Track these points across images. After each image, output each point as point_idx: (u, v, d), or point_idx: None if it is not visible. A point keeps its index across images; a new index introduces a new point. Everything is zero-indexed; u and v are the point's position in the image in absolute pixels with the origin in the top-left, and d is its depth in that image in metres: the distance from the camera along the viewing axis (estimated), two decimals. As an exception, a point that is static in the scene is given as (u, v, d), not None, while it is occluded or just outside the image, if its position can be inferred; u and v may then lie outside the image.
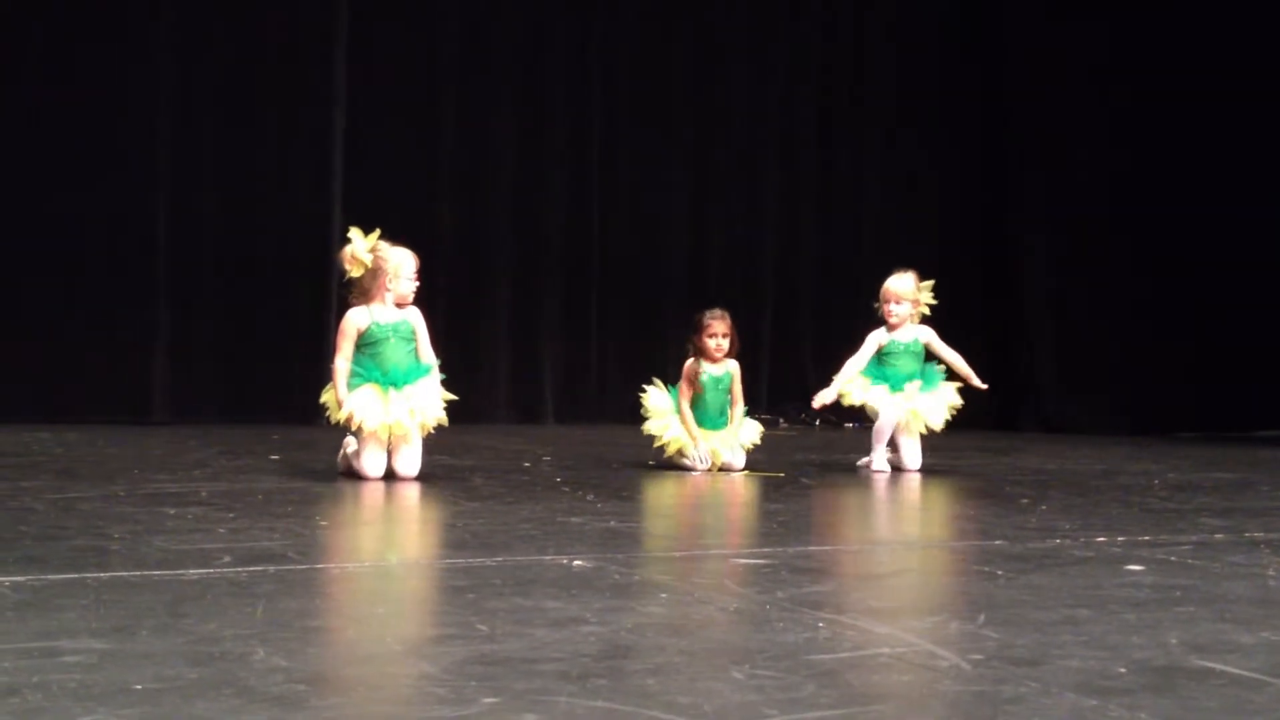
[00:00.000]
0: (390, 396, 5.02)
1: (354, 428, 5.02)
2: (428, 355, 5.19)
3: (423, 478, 5.09)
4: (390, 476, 5.03)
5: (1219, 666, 2.08)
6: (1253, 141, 10.05)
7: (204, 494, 4.41)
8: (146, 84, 8.90)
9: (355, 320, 5.11)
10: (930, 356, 6.00)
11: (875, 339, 5.95)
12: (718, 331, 5.82)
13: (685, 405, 5.82)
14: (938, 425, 5.92)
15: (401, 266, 5.15)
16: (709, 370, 5.82)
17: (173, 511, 3.86)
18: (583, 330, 10.16)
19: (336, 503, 4.44)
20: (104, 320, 8.72)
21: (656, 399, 5.93)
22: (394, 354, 5.08)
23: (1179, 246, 10.10)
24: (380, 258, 5.10)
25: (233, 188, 9.15)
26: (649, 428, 5.90)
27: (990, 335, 10.30)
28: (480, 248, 9.74)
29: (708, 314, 5.90)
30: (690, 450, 5.73)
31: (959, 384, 5.97)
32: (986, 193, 10.75)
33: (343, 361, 5.09)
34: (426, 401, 5.06)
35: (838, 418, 10.25)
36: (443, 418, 5.12)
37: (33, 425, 7.69)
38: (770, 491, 5.02)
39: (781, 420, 10.29)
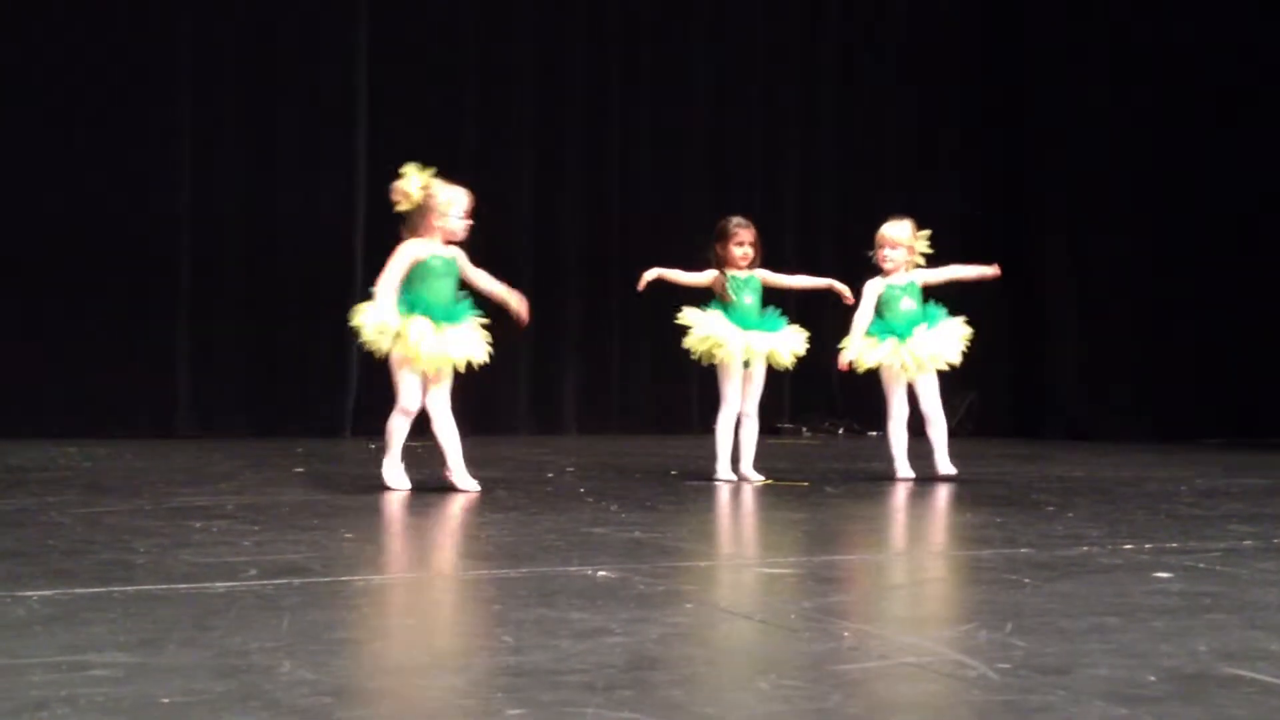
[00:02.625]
0: (444, 331, 5.01)
1: (410, 355, 4.95)
2: (484, 281, 5.21)
3: (444, 489, 5.11)
4: (422, 419, 5.07)
5: (1249, 674, 2.06)
6: (1276, 152, 9.98)
7: (230, 507, 4.42)
8: (169, 99, 8.96)
9: (415, 250, 5.07)
10: (929, 297, 5.92)
11: (872, 289, 5.87)
12: (745, 240, 5.75)
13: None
14: (955, 359, 5.84)
15: (452, 204, 5.12)
16: (734, 275, 5.74)
17: (199, 525, 3.88)
18: (604, 340, 10.17)
19: (361, 515, 4.45)
20: (129, 335, 8.78)
21: (691, 312, 5.79)
22: (446, 289, 5.10)
23: (1203, 251, 10.04)
24: (430, 194, 5.10)
25: (256, 201, 9.21)
26: (688, 341, 5.75)
27: (1013, 342, 10.26)
28: (500, 258, 9.73)
29: (734, 221, 5.79)
30: (725, 348, 5.61)
31: (963, 318, 5.89)
32: (1006, 197, 10.72)
33: (391, 286, 4.99)
34: (471, 341, 5.06)
35: (860, 426, 10.25)
36: (484, 356, 5.09)
37: (59, 440, 7.74)
38: (794, 501, 5.00)
39: (805, 429, 10.28)
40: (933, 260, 5.98)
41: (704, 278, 5.82)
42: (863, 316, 5.85)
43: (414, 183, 5.10)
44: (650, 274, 5.80)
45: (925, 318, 5.85)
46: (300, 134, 9.28)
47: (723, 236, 5.77)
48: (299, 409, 9.11)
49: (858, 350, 5.82)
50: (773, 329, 5.75)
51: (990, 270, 6.00)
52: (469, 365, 5.09)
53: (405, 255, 5.06)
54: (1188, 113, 10.07)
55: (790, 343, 5.76)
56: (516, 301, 5.27)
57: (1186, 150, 10.07)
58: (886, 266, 5.87)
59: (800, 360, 5.90)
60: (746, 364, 5.72)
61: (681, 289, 5.91)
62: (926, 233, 5.95)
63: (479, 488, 5.12)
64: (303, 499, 4.78)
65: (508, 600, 2.67)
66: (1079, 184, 10.36)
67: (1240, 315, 9.99)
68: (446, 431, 5.12)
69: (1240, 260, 10.00)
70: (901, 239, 5.87)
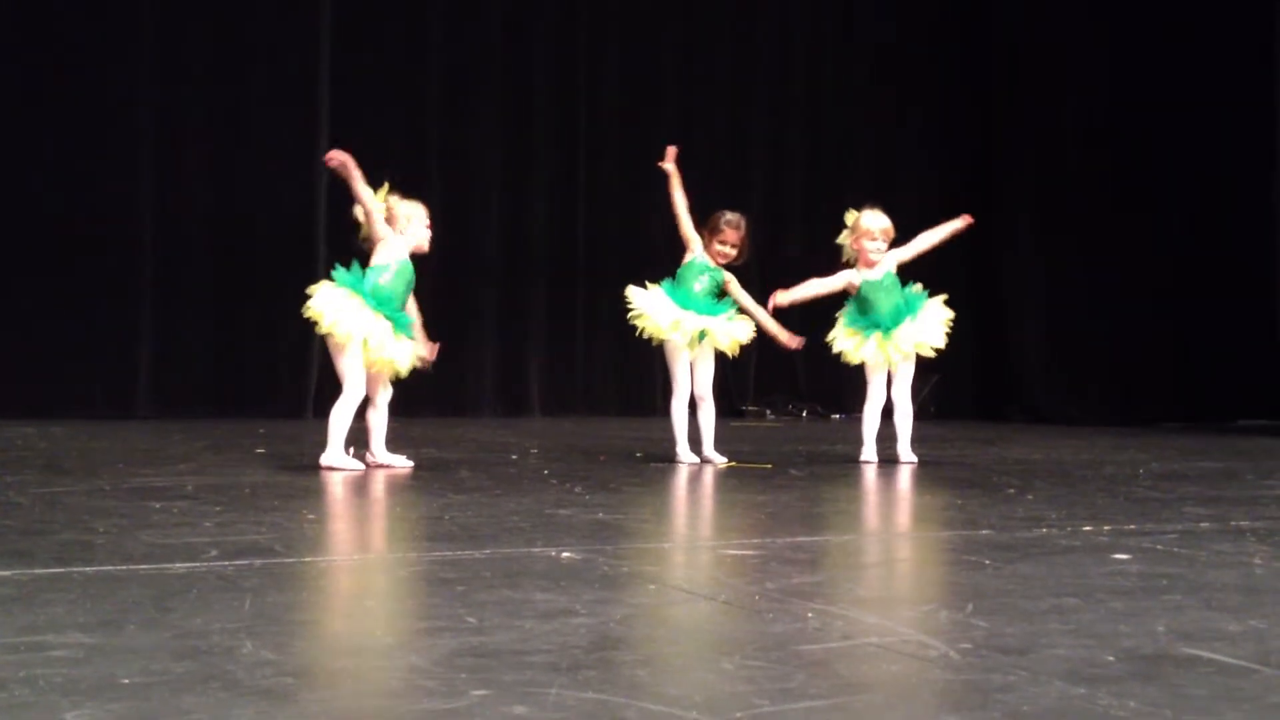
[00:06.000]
0: (400, 339, 5.13)
1: (373, 358, 5.07)
2: (412, 311, 5.31)
3: (409, 470, 5.12)
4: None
5: (1206, 654, 2.08)
6: (1239, 135, 10.07)
7: (190, 488, 4.39)
8: (129, 79, 8.86)
9: (408, 245, 5.20)
10: (905, 276, 5.90)
11: (845, 278, 5.82)
12: (729, 240, 5.73)
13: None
14: (940, 343, 5.82)
15: (412, 218, 5.26)
16: (700, 261, 5.73)
17: (158, 506, 3.85)
18: (569, 323, 10.16)
19: (323, 496, 4.43)
20: (88, 314, 8.69)
21: (639, 294, 5.75)
22: (404, 297, 5.20)
23: (1164, 237, 10.13)
24: (390, 208, 5.23)
25: (217, 181, 9.13)
26: (637, 321, 5.72)
27: (976, 326, 10.32)
28: (466, 241, 9.74)
29: (724, 219, 5.75)
30: (668, 333, 5.62)
31: (944, 297, 5.89)
32: (972, 184, 10.77)
33: (371, 201, 5.13)
34: (409, 352, 5.19)
35: (824, 409, 10.29)
36: (403, 370, 5.21)
37: (17, 420, 7.65)
38: (758, 483, 5.02)
39: (769, 412, 10.32)
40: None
41: (687, 227, 5.77)
42: (818, 284, 5.82)
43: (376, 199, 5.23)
44: (671, 162, 5.77)
45: (908, 308, 5.81)
46: (263, 117, 9.20)
47: (712, 229, 5.76)
48: (260, 390, 9.06)
49: (795, 297, 5.79)
50: (711, 314, 5.74)
51: (959, 223, 5.91)
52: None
53: (400, 239, 5.18)
54: (1155, 102, 10.14)
55: (731, 329, 5.73)
56: (428, 351, 5.37)
57: (1151, 140, 10.14)
58: (872, 258, 5.80)
59: (766, 344, 5.90)
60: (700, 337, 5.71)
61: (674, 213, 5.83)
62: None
63: (410, 462, 5.27)
64: (264, 480, 4.75)
65: (471, 581, 2.66)
66: (1044, 169, 10.42)
67: (1198, 302, 10.10)
68: (377, 416, 5.26)
69: (1199, 248, 10.10)
70: (889, 229, 5.83)
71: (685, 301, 5.70)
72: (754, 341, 5.92)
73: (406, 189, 5.37)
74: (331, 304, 5.05)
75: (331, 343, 5.13)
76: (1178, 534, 3.52)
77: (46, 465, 5.19)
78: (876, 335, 5.78)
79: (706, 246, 5.76)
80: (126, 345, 8.84)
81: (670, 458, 5.79)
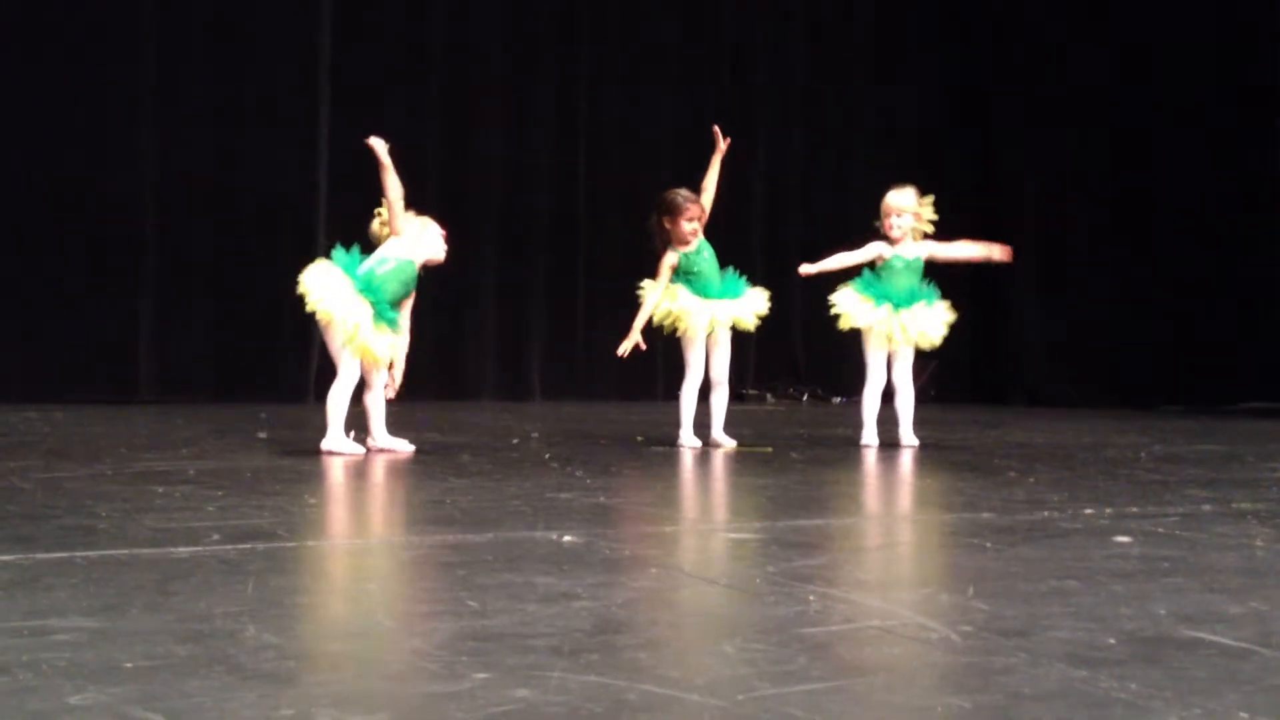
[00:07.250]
0: (383, 330, 5.10)
1: (358, 345, 5.04)
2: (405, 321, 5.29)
3: (410, 454, 5.12)
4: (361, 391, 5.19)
5: (1207, 636, 2.09)
6: (1236, 123, 10.04)
7: (192, 472, 4.40)
8: (133, 65, 8.85)
9: (422, 249, 5.23)
10: (930, 273, 5.90)
11: (876, 248, 5.83)
12: (694, 215, 5.64)
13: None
14: (937, 339, 5.86)
15: (427, 227, 5.30)
16: (685, 252, 5.67)
17: (161, 490, 3.85)
18: (569, 307, 10.15)
19: (325, 480, 4.43)
20: (90, 298, 8.69)
21: (652, 287, 5.74)
22: (399, 295, 5.18)
23: (1163, 221, 10.11)
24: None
25: (218, 162, 9.11)
26: (668, 321, 5.71)
27: (977, 310, 10.31)
28: (467, 225, 9.72)
29: (682, 195, 5.66)
30: (706, 330, 5.61)
31: (955, 302, 5.91)
32: (973, 167, 10.75)
33: (396, 194, 5.16)
34: (393, 345, 5.19)
35: (825, 392, 10.29)
36: (380, 360, 5.21)
37: (19, 405, 7.66)
38: (759, 466, 5.02)
39: (769, 396, 10.32)
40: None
41: (662, 281, 5.66)
42: (847, 256, 5.83)
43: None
44: (628, 343, 5.65)
45: (924, 296, 5.84)
46: (264, 101, 9.19)
47: (674, 211, 5.64)
48: (262, 374, 9.06)
49: (819, 269, 5.80)
50: (734, 295, 5.74)
51: (999, 252, 5.94)
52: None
53: (417, 235, 5.20)
54: (1156, 84, 10.11)
55: (753, 305, 5.75)
56: (392, 380, 5.35)
57: (1150, 122, 10.12)
58: (894, 235, 5.81)
59: (767, 327, 5.89)
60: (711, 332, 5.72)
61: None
62: (930, 198, 5.92)
63: (411, 446, 5.25)
64: (266, 464, 4.75)
65: (473, 565, 2.67)
66: (1044, 153, 10.40)
67: (1199, 284, 10.08)
68: (374, 399, 5.25)
69: (1199, 231, 10.07)
70: (907, 206, 5.84)
71: (707, 291, 5.69)
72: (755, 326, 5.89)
73: (407, 177, 5.36)
74: (320, 283, 5.05)
75: (320, 322, 5.13)
76: (1179, 517, 3.52)
77: (49, 450, 5.19)
78: (887, 306, 5.79)
79: (674, 236, 5.66)
80: (128, 329, 8.84)
81: (672, 441, 5.79)
